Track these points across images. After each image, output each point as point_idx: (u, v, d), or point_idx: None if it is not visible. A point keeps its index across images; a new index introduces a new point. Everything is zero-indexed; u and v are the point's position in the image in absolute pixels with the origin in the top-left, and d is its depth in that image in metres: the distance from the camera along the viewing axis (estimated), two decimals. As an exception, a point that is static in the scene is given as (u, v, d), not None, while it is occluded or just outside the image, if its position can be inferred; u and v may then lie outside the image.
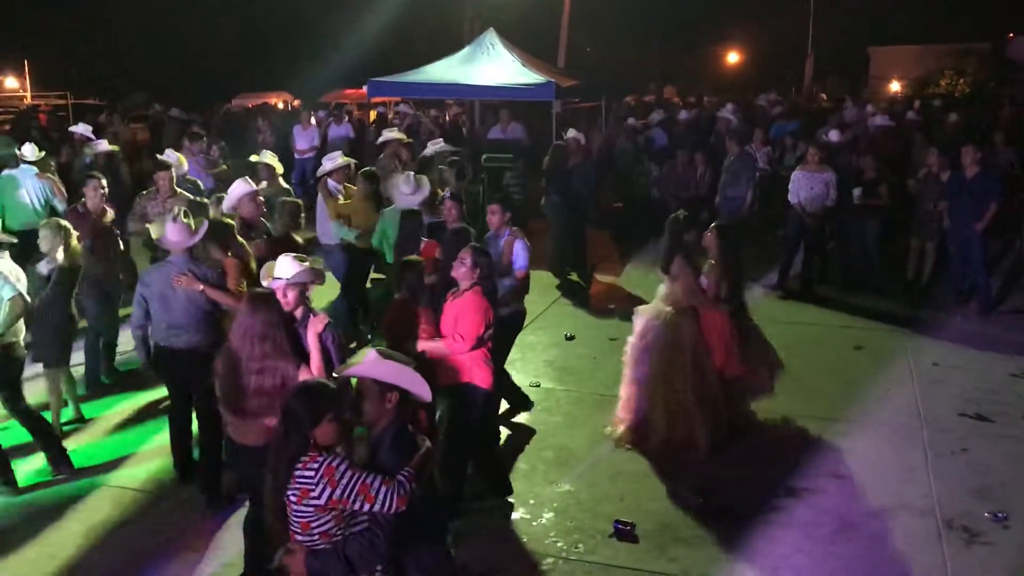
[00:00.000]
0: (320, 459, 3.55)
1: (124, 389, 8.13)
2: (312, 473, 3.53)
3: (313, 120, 16.78)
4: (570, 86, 15.64)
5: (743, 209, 11.85)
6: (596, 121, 18.17)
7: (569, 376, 8.46)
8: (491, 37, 15.56)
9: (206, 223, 6.48)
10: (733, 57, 42.35)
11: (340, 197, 9.19)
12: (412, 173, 8.63)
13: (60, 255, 6.82)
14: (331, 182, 9.32)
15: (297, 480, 3.55)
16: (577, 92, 17.24)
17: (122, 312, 8.25)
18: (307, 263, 5.24)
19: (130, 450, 6.99)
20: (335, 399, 3.71)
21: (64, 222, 7.06)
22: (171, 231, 6.15)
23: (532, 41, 19.78)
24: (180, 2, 35.04)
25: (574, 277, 11.72)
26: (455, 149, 12.20)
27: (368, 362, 3.90)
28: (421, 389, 3.92)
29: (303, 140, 15.90)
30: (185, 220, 6.21)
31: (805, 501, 6.05)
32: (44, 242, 6.82)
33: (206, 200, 8.75)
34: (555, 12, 24.69)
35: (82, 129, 12.68)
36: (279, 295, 5.09)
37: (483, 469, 6.18)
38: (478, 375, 5.79)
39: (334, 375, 4.38)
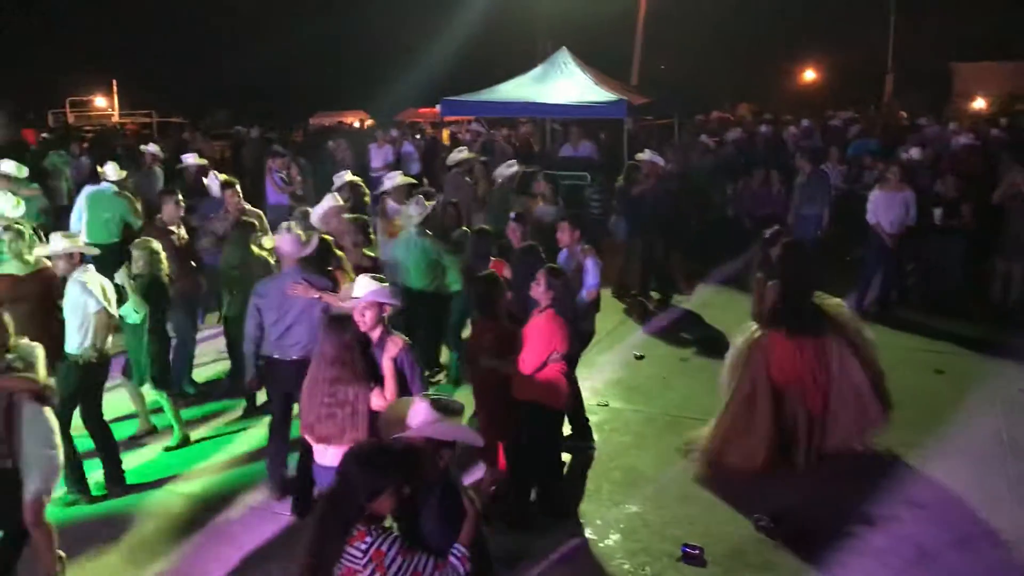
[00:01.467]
0: (369, 539, 3.31)
1: (205, 400, 8.36)
2: (360, 554, 3.30)
3: (388, 138, 17.05)
4: (642, 104, 15.59)
5: (818, 228, 11.62)
6: (669, 138, 18.06)
7: (638, 396, 8.37)
8: (564, 56, 15.64)
9: (317, 236, 6.60)
10: (809, 74, 41.65)
11: (397, 217, 9.20)
12: (421, 196, 8.63)
13: (150, 272, 7.04)
14: (391, 202, 9.42)
15: (344, 556, 3.32)
16: (649, 110, 17.19)
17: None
18: (385, 283, 5.22)
19: (207, 460, 7.13)
20: (398, 469, 3.43)
21: (155, 243, 7.27)
22: (285, 242, 6.31)
23: (606, 59, 19.77)
24: (262, 25, 36.05)
25: (656, 295, 11.59)
26: (533, 169, 12.22)
27: (425, 421, 3.67)
28: (475, 441, 3.85)
29: (378, 158, 16.15)
30: (296, 232, 6.37)
31: (881, 528, 5.87)
32: (139, 261, 7.05)
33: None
34: (629, 30, 24.67)
35: (153, 149, 13.14)
36: (356, 315, 5.06)
37: (542, 489, 6.16)
38: (549, 395, 5.80)
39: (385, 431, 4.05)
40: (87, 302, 6.26)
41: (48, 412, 5.18)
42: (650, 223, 11.27)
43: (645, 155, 11.56)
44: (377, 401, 4.89)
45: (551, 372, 5.77)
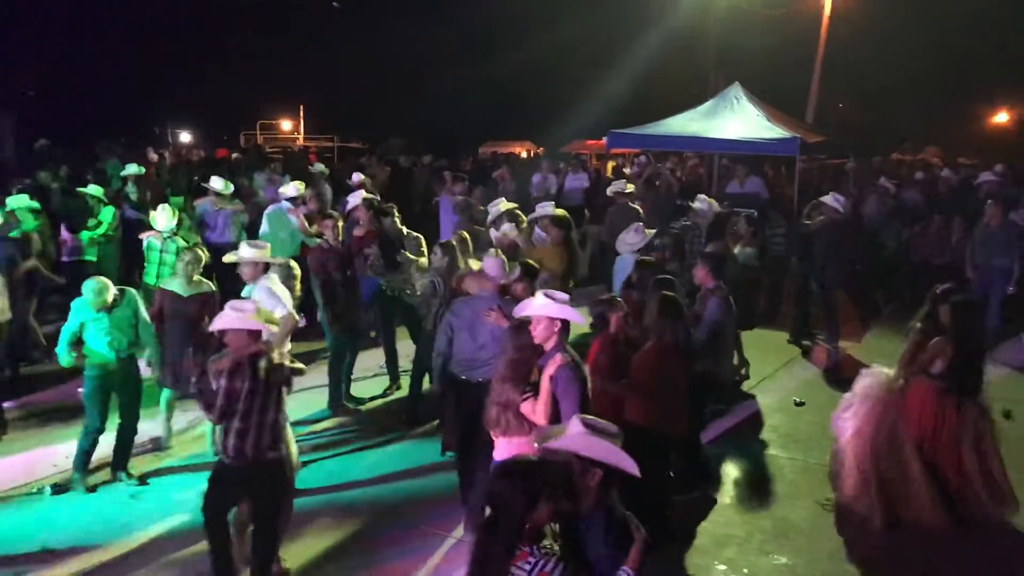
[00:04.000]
0: (532, 559, 3.27)
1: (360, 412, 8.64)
2: (524, 574, 3.27)
3: (552, 169, 17.24)
4: (816, 142, 15.09)
5: (1008, 282, 10.84)
6: (843, 179, 17.38)
7: (795, 444, 8.03)
8: (736, 90, 15.37)
9: (519, 266, 6.77)
10: (1002, 117, 39.15)
11: (541, 244, 9.31)
12: (641, 224, 8.68)
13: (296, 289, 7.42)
14: (537, 229, 9.59)
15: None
16: (824, 148, 16.61)
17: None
18: (560, 300, 5.16)
19: (365, 474, 7.36)
20: (544, 476, 3.40)
21: (294, 265, 7.65)
22: (491, 266, 6.51)
23: (780, 94, 19.30)
24: (436, 56, 37.39)
25: (820, 339, 11.15)
26: (728, 211, 12.02)
27: (572, 434, 3.63)
28: (629, 467, 3.57)
29: (539, 188, 16.33)
30: (502, 258, 6.59)
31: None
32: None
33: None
34: (806, 65, 23.99)
35: (320, 168, 14.21)
36: (532, 325, 5.12)
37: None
38: (659, 423, 5.79)
39: (535, 444, 4.02)
40: (275, 306, 6.62)
41: None
42: (819, 265, 10.85)
43: (827, 198, 11.13)
44: (526, 410, 4.93)
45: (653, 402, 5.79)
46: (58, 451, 7.51)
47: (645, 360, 5.94)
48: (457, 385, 6.36)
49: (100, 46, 32.47)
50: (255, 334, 5.17)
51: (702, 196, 11.18)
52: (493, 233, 8.63)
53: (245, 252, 7.15)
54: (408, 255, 8.88)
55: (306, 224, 10.79)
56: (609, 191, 12.28)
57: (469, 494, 6.26)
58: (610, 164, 21.42)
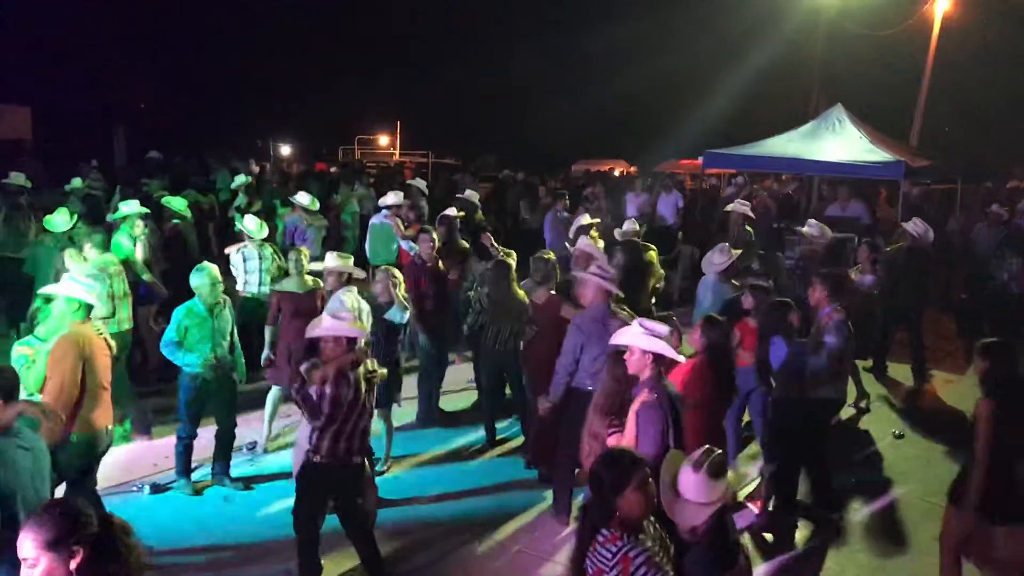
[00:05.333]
0: (620, 543, 3.44)
1: (446, 425, 8.70)
2: (609, 555, 3.43)
3: (646, 188, 17.12)
4: (921, 166, 14.60)
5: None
6: (951, 205, 16.76)
7: (894, 477, 7.73)
8: (839, 112, 14.99)
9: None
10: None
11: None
12: (727, 244, 8.54)
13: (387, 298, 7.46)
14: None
15: (596, 553, 3.47)
16: (929, 173, 16.05)
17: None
18: (655, 330, 4.99)
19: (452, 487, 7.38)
20: (638, 467, 3.56)
21: (394, 270, 7.69)
22: (603, 277, 6.54)
23: (883, 117, 18.78)
24: (534, 77, 37.70)
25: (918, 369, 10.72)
26: (848, 235, 11.74)
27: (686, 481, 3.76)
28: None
29: (633, 207, 16.22)
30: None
31: None
32: (378, 285, 7.51)
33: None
34: (911, 87, 23.30)
35: (420, 184, 14.32)
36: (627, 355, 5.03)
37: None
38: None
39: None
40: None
41: None
42: (901, 292, 10.45)
43: (910, 225, 10.73)
44: (612, 442, 4.86)
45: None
46: (158, 451, 7.75)
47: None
48: (580, 397, 6.27)
49: (208, 63, 33.80)
50: (352, 342, 5.27)
51: (812, 221, 10.88)
52: (580, 243, 8.54)
53: (330, 262, 7.47)
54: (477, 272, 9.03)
55: (402, 228, 10.94)
56: (727, 209, 11.99)
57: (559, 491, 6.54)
58: (705, 184, 21.13)
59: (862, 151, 13.82)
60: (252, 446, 7.91)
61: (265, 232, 9.51)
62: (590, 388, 6.22)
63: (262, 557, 6.06)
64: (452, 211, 10.63)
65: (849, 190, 14.82)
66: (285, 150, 34.15)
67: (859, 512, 7.02)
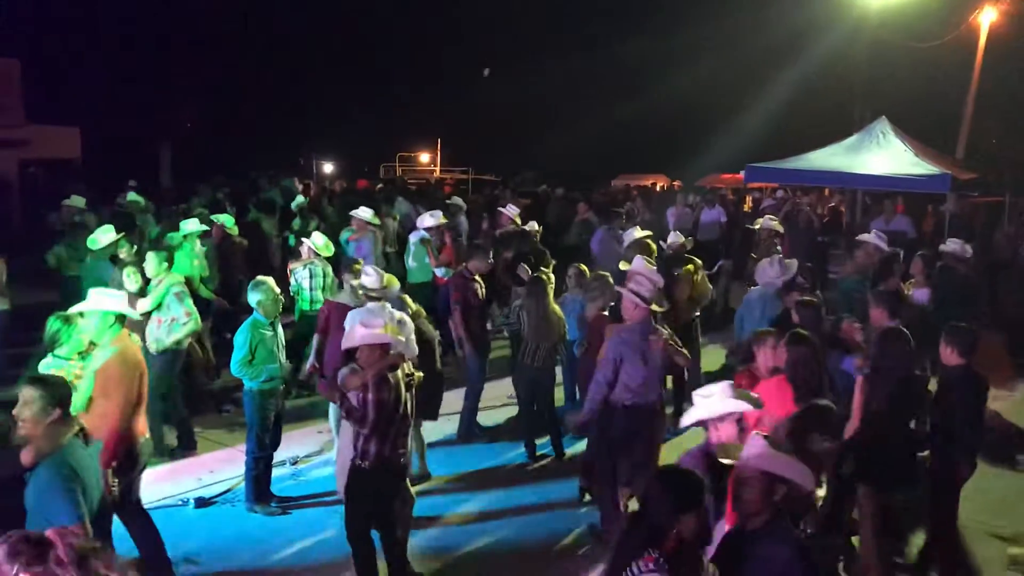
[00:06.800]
0: (653, 567, 3.28)
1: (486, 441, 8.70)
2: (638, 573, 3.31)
3: (687, 202, 17.04)
4: (968, 179, 14.36)
5: None
6: (999, 219, 16.44)
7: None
8: (883, 125, 14.82)
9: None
10: None
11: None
12: (779, 257, 8.46)
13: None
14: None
15: (629, 572, 3.33)
16: (976, 186, 15.78)
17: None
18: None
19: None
20: (696, 493, 3.46)
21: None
22: (643, 291, 6.51)
23: (928, 129, 18.51)
24: (573, 92, 37.75)
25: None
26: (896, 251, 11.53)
27: (759, 453, 3.74)
28: (807, 482, 3.74)
29: (674, 221, 16.12)
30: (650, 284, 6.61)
31: None
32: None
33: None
34: (957, 99, 22.93)
35: (458, 201, 14.52)
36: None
37: None
38: None
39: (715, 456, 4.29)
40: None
41: None
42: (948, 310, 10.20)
43: (947, 244, 10.50)
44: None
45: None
46: (204, 466, 7.84)
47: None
48: (620, 410, 6.30)
49: (251, 84, 34.33)
50: (386, 347, 5.37)
51: (871, 234, 10.73)
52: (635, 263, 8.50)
53: (367, 281, 7.58)
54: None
55: (434, 255, 11.00)
56: (758, 227, 11.83)
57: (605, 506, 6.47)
58: (747, 199, 20.97)
59: (907, 164, 13.64)
60: (294, 460, 7.97)
61: (331, 249, 9.74)
62: (628, 404, 6.26)
63: (310, 573, 6.09)
64: (533, 225, 10.86)
65: (894, 203, 14.63)
66: (328, 167, 34.54)
67: (911, 532, 6.87)
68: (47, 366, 5.75)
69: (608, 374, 6.29)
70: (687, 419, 4.77)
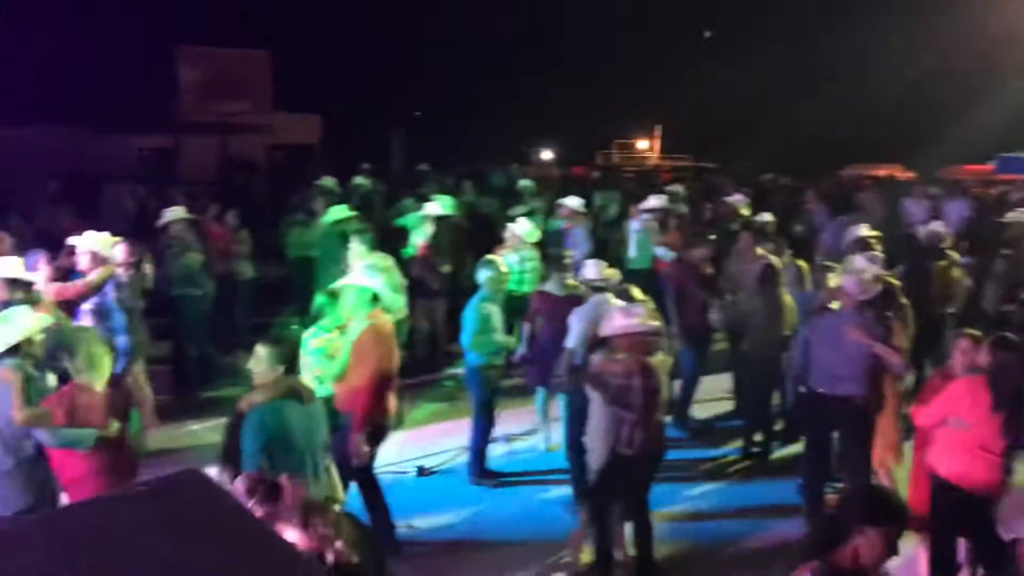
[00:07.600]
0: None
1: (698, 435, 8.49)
2: None
3: (927, 194, 15.84)
4: None
5: None
6: None
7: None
8: None
9: (881, 283, 6.58)
10: None
11: None
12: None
13: None
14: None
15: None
16: None
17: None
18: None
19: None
20: (897, 512, 3.33)
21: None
22: (849, 283, 6.42)
23: None
24: (802, 79, 36.12)
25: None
26: None
27: None
28: None
29: (916, 214, 15.06)
30: (858, 275, 6.42)
31: None
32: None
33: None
34: None
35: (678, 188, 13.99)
36: None
37: None
38: None
39: None
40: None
41: None
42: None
43: None
44: None
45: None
46: (428, 436, 8.21)
47: None
48: (815, 398, 6.33)
49: (477, 72, 35.39)
50: (645, 334, 5.49)
51: None
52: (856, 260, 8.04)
53: (590, 271, 7.38)
54: None
55: (659, 233, 10.88)
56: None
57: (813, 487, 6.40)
58: (996, 192, 19.19)
59: None
60: (509, 438, 8.16)
61: (538, 235, 9.83)
62: (821, 390, 6.24)
63: (525, 550, 6.18)
64: (765, 216, 10.57)
65: None
66: (546, 155, 34.98)
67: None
68: (311, 335, 6.24)
69: (795, 357, 6.43)
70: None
